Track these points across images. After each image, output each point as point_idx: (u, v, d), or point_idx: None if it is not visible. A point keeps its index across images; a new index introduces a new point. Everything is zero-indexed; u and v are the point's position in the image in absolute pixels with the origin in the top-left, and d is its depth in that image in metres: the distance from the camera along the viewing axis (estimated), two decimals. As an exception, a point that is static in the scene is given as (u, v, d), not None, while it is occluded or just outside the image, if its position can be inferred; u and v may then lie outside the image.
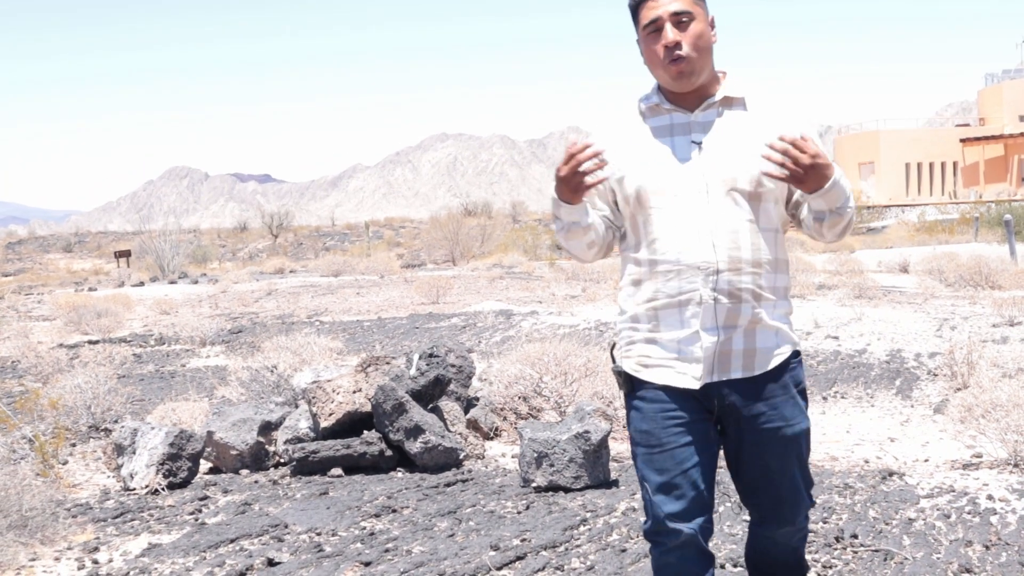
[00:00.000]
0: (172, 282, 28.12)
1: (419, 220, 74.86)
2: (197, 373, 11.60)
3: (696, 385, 3.07)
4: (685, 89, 3.08)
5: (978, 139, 64.11)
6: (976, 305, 13.57)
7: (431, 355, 7.64)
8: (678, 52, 3.02)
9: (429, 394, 7.13)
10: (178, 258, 32.76)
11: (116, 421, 8.26)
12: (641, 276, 3.15)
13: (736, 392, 3.10)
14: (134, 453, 6.64)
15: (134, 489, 6.52)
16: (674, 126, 3.13)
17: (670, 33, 3.02)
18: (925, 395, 8.81)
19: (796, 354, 3.22)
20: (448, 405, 7.41)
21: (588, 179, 3.00)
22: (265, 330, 14.73)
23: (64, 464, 7.22)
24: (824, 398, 8.91)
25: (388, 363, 7.45)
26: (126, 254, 38.85)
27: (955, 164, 64.94)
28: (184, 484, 6.68)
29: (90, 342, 14.84)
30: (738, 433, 3.15)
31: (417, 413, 6.82)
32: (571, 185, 3.02)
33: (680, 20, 3.03)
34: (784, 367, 3.15)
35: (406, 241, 53.99)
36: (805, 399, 3.21)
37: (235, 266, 41.27)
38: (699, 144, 3.07)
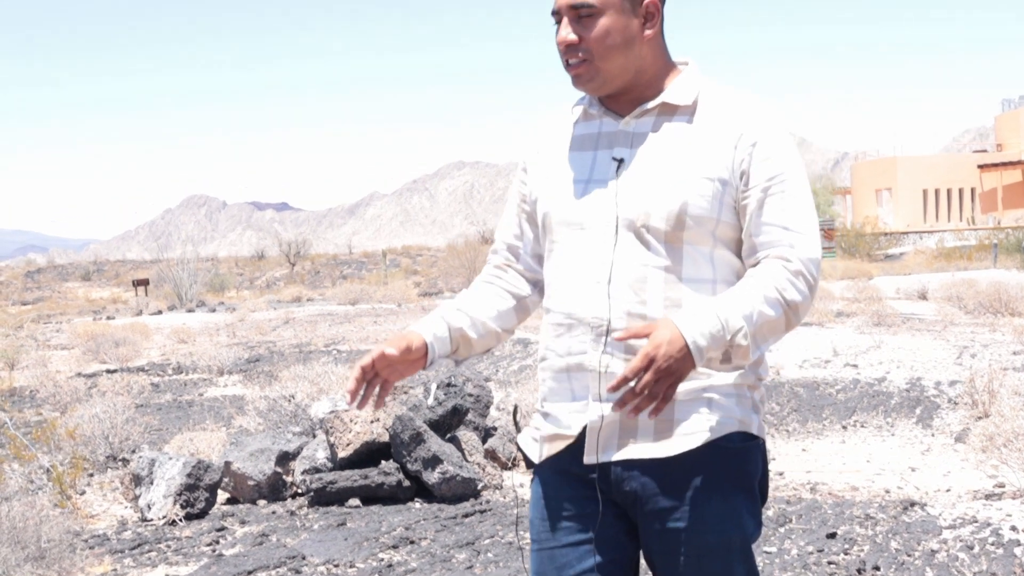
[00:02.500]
0: (190, 311, 28.19)
1: (436, 248, 74.88)
2: (215, 403, 11.60)
3: (579, 466, 2.39)
4: (591, 93, 2.45)
5: (996, 165, 63.93)
6: (996, 332, 13.49)
7: (449, 385, 7.62)
8: (572, 59, 2.39)
9: (447, 424, 7.11)
10: (196, 286, 32.84)
11: (134, 451, 8.27)
12: (543, 325, 2.50)
13: (640, 476, 2.35)
14: (152, 484, 6.63)
15: (151, 520, 6.51)
16: (600, 136, 2.45)
17: (562, 31, 2.38)
18: (946, 424, 8.74)
19: (746, 439, 2.37)
20: (466, 435, 7.39)
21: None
22: (283, 359, 14.74)
23: (82, 494, 7.21)
24: (844, 427, 8.85)
25: (406, 392, 7.44)
26: (144, 283, 38.99)
27: (973, 190, 64.77)
28: (201, 515, 6.66)
29: (108, 371, 14.87)
30: (645, 533, 2.39)
31: (435, 443, 6.80)
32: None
33: (580, 14, 2.36)
34: (713, 450, 2.32)
35: (423, 269, 54.06)
36: (752, 500, 2.38)
37: (252, 294, 41.38)
38: (620, 163, 2.39)
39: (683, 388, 2.30)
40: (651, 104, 2.40)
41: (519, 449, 2.55)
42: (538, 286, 2.64)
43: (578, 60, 2.37)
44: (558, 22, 2.40)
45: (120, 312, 29.16)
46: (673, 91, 2.41)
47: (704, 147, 2.35)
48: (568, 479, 2.42)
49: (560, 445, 2.41)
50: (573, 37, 2.36)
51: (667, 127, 2.39)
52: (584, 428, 2.36)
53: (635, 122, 2.41)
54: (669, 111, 2.41)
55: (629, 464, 2.34)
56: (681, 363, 2.15)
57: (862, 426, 8.88)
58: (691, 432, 2.31)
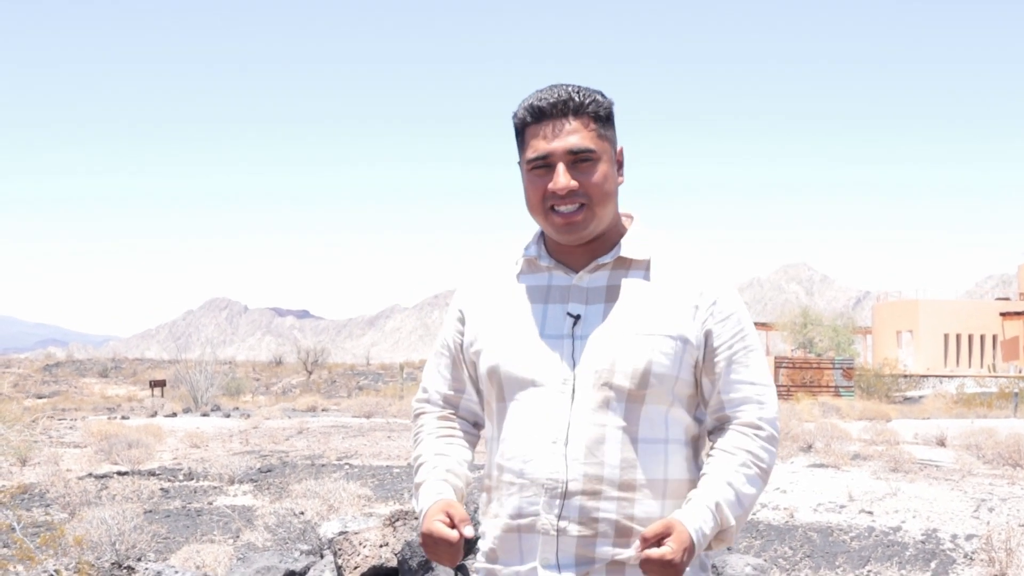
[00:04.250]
0: (204, 414, 28.18)
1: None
2: (223, 515, 11.54)
3: None
4: (574, 242, 2.35)
5: (1018, 313, 63.90)
6: (1015, 486, 13.33)
7: (460, 511, 7.58)
8: (568, 206, 2.30)
9: (456, 552, 7.06)
10: (212, 390, 32.87)
11: (140, 559, 8.21)
12: (489, 482, 2.44)
13: None
14: (155, 596, 6.57)
15: (152, 633, 6.43)
16: (551, 290, 2.37)
17: (562, 178, 2.28)
18: (961, 580, 8.60)
19: None
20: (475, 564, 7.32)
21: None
22: (294, 471, 14.68)
23: (84, 602, 7.14)
24: (857, 577, 8.73)
25: (416, 518, 7.40)
26: (161, 384, 39.08)
27: (995, 337, 64.64)
28: (203, 631, 6.59)
29: (119, 473, 14.83)
30: None
31: (443, 572, 6.73)
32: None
33: (577, 159, 2.29)
34: None
35: (439, 385, 53.92)
36: None
37: (268, 400, 41.38)
38: (576, 319, 2.31)
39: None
40: (607, 259, 2.35)
41: None
42: (479, 425, 2.61)
43: (576, 207, 2.30)
44: (541, 166, 2.32)
45: (135, 412, 29.19)
46: (629, 245, 2.38)
47: (664, 304, 2.32)
48: None
49: None
50: (575, 183, 2.28)
51: (624, 283, 2.35)
52: None
53: (588, 277, 2.36)
54: (624, 265, 2.37)
55: None
56: (687, 563, 2.20)
57: (876, 577, 8.75)
58: None
